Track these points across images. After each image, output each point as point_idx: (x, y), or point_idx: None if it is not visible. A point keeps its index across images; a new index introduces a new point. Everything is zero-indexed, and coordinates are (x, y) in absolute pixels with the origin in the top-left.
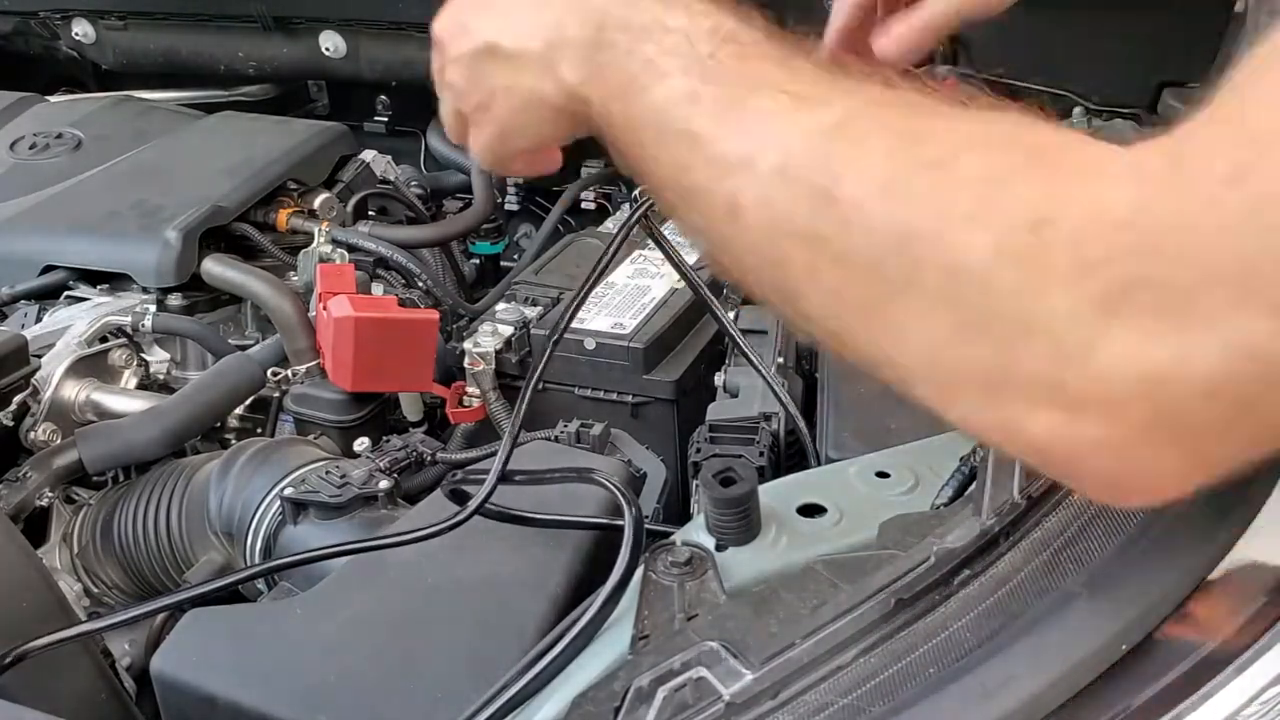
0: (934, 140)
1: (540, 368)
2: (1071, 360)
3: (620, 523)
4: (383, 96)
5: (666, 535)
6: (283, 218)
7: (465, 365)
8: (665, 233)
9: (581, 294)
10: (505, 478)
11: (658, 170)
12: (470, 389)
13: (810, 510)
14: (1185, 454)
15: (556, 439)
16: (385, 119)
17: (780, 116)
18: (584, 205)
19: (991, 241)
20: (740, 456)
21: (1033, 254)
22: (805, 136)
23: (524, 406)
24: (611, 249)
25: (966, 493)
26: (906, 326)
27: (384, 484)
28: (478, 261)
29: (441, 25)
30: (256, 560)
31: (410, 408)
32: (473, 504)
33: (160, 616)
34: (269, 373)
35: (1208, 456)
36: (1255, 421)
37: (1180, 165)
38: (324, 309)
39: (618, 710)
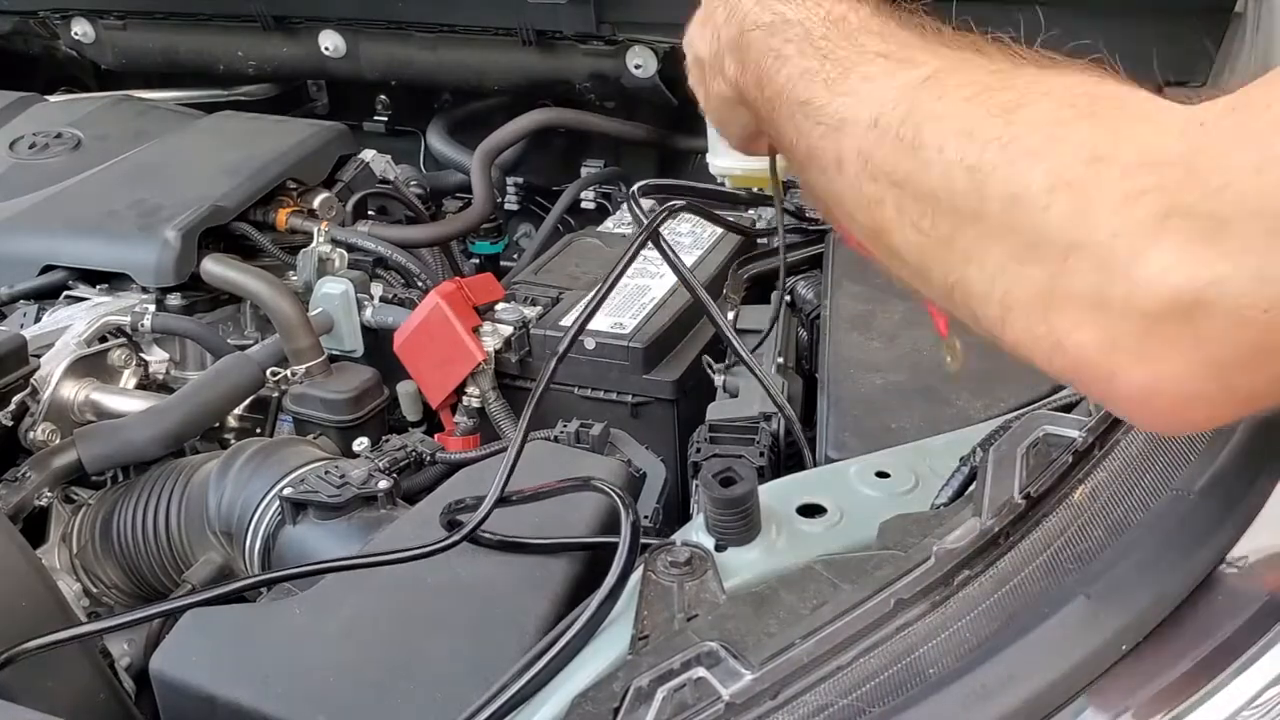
0: (1008, 90)
1: (540, 388)
2: (1114, 278)
3: (614, 539)
4: (382, 96)
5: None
6: (282, 217)
7: None
8: (665, 234)
9: (591, 307)
10: (503, 499)
11: (787, 140)
12: (470, 389)
13: (810, 510)
14: (1215, 380)
15: (556, 439)
16: (385, 119)
17: (877, 79)
18: (584, 205)
19: (1049, 172)
20: (740, 456)
21: (1085, 184)
22: (897, 91)
23: (525, 424)
24: (621, 264)
25: (967, 493)
26: (973, 253)
27: (383, 484)
28: (478, 261)
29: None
30: (256, 559)
31: (410, 408)
32: (465, 530)
33: None
34: (268, 373)
35: (1236, 387)
36: (1278, 356)
37: (1232, 113)
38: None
39: (617, 710)
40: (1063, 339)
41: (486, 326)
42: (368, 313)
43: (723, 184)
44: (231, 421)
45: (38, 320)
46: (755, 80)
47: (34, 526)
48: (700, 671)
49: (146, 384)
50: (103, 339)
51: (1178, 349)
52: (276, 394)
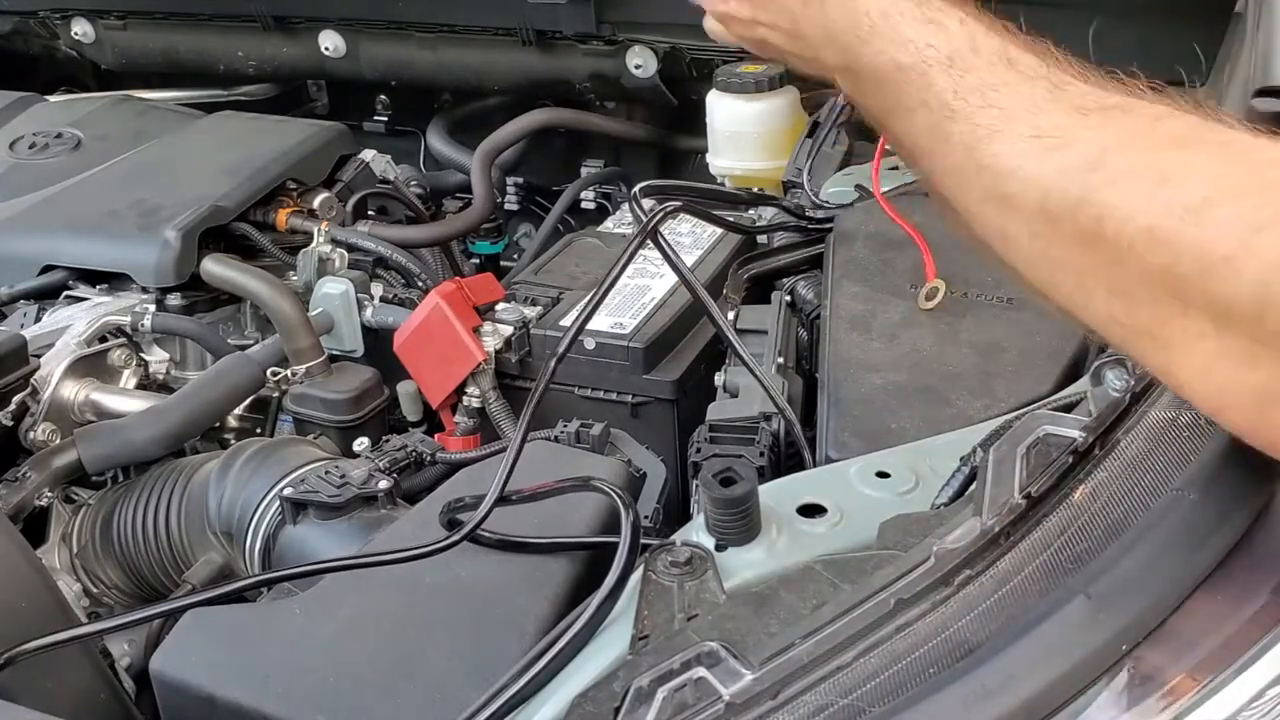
0: (1187, 182)
1: (540, 388)
2: None
3: (614, 539)
4: (382, 96)
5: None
6: (282, 217)
7: None
8: (665, 235)
9: (591, 307)
10: (503, 499)
11: (944, 192)
12: (470, 389)
13: (810, 510)
14: None
15: (556, 439)
16: (385, 119)
17: (1033, 158)
18: (584, 205)
19: (1254, 281)
20: (740, 456)
21: None
22: (1061, 176)
23: (526, 424)
24: (619, 265)
25: (967, 493)
26: (1177, 344)
27: (383, 484)
28: (478, 261)
29: None
30: (256, 559)
31: (410, 408)
32: (465, 530)
33: None
34: (269, 373)
35: None
36: None
37: None
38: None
39: (617, 710)
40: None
41: (486, 326)
42: (368, 313)
43: (723, 184)
44: (231, 421)
45: (38, 320)
46: (881, 110)
47: (34, 526)
48: (700, 671)
49: (146, 384)
50: (103, 339)
51: None
52: (277, 394)
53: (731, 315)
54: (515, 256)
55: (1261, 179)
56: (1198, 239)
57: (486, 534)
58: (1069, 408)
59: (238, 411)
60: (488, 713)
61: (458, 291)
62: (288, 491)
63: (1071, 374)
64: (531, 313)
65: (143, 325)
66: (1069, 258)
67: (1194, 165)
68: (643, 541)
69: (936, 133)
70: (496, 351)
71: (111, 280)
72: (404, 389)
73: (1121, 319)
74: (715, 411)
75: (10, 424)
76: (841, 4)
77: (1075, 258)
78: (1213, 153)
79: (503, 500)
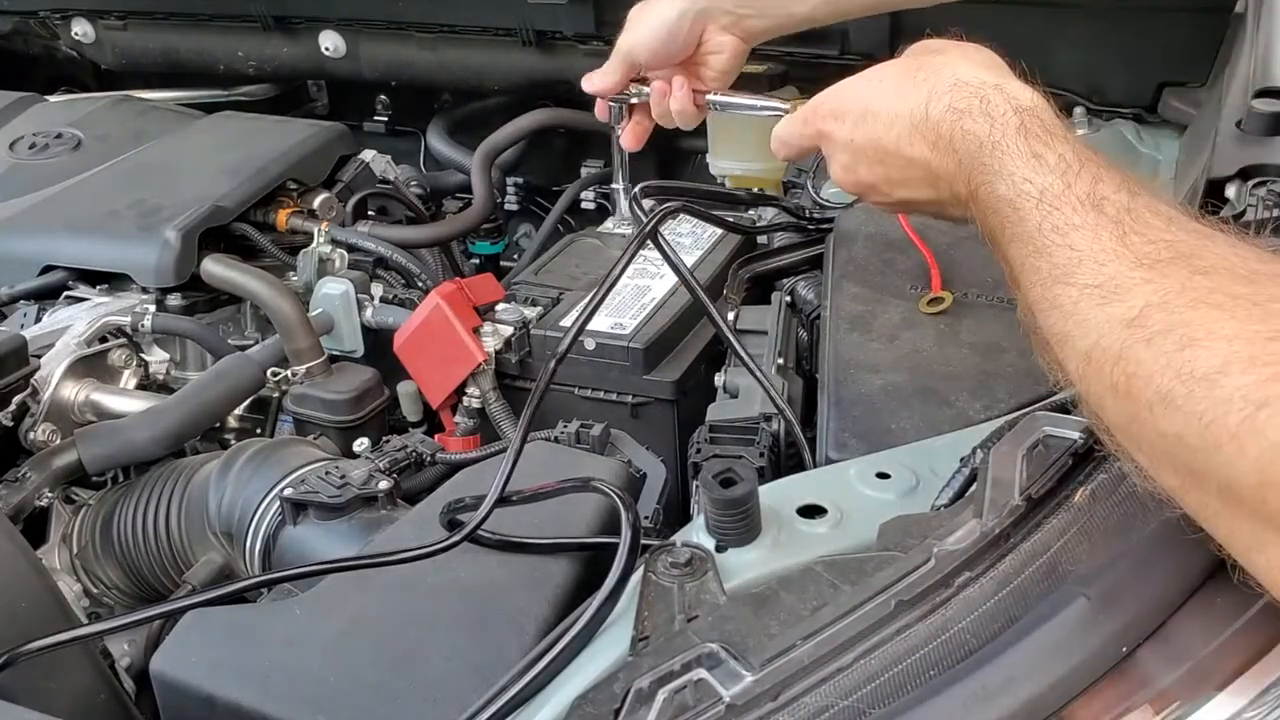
0: (1210, 347)
1: (541, 388)
2: None
3: (614, 540)
4: (382, 96)
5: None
6: (282, 217)
7: None
8: (665, 235)
9: (591, 308)
10: (503, 499)
11: (1024, 305)
12: (470, 389)
13: (810, 511)
14: None
15: (556, 439)
16: (385, 119)
17: (1087, 305)
18: (584, 205)
19: (1256, 461)
20: (740, 457)
21: None
22: (1106, 328)
23: (526, 424)
24: (619, 265)
25: (967, 494)
26: (1209, 513)
27: (383, 484)
28: (478, 261)
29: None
30: (256, 560)
31: (410, 408)
32: (465, 530)
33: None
34: (269, 373)
35: None
36: None
37: None
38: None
39: (618, 712)
40: None
41: (487, 327)
42: (368, 313)
43: (723, 184)
44: (232, 422)
45: (38, 320)
46: (991, 234)
47: (34, 527)
48: (701, 673)
49: (146, 384)
50: (103, 339)
51: None
52: (277, 394)
53: (731, 315)
54: (515, 256)
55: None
56: (1206, 411)
57: (487, 534)
58: (1069, 408)
59: (238, 412)
60: (488, 714)
61: (458, 292)
62: (288, 492)
63: None
64: (531, 313)
65: (143, 325)
66: (1108, 405)
67: (1222, 328)
68: (643, 542)
69: (1025, 264)
70: (497, 352)
71: (111, 280)
72: (404, 389)
73: (1150, 471)
74: (715, 412)
75: (10, 424)
76: (952, 139)
77: (1112, 406)
78: (1245, 313)
79: (503, 501)
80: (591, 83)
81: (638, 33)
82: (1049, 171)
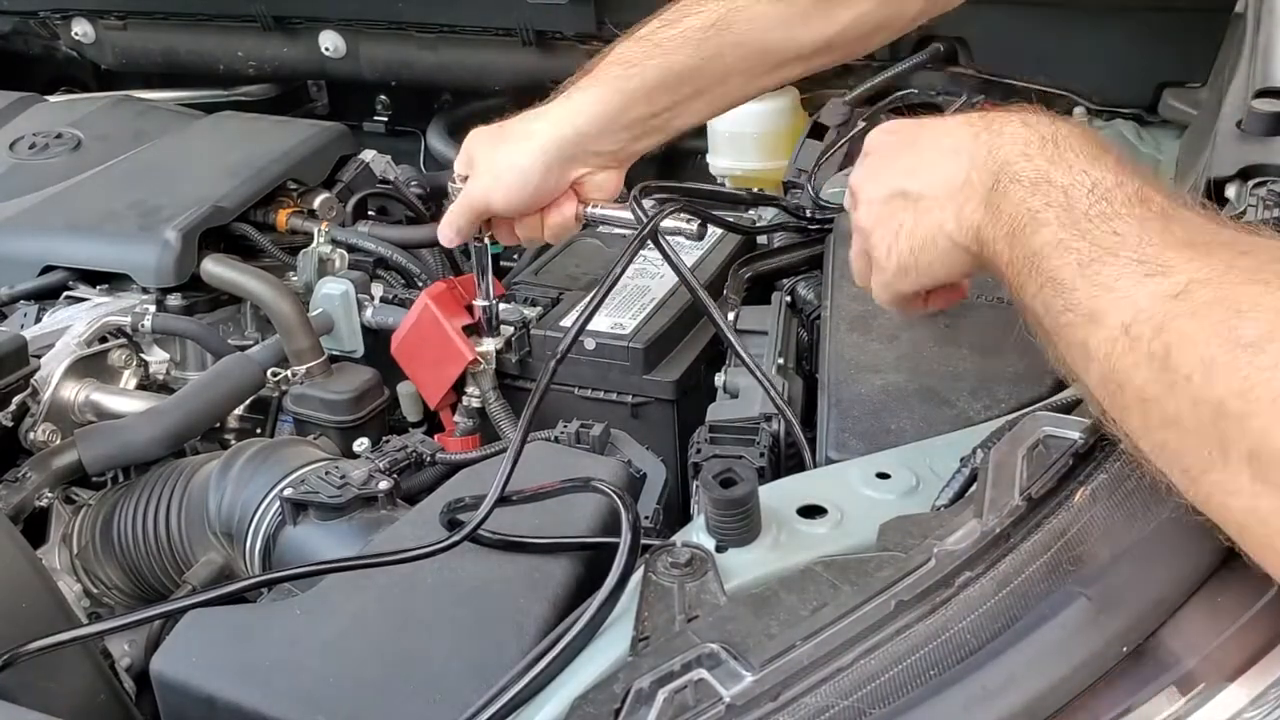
0: (1257, 317)
1: (541, 388)
2: None
3: (614, 540)
4: (382, 96)
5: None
6: (282, 218)
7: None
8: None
9: (591, 308)
10: (503, 499)
11: (1033, 305)
12: (470, 389)
13: (810, 511)
14: None
15: (556, 439)
16: (385, 119)
17: (1131, 279)
18: None
19: None
20: (740, 457)
21: None
22: (1149, 301)
23: (526, 424)
24: (619, 265)
25: (967, 494)
26: (1223, 497)
27: (384, 484)
28: None
29: (857, 177)
30: (256, 560)
31: (410, 408)
32: (465, 530)
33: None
34: (269, 373)
35: None
36: None
37: None
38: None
39: (618, 712)
40: None
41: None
42: (368, 313)
43: (723, 184)
44: (232, 422)
45: (38, 320)
46: (1003, 234)
47: (34, 527)
48: (701, 673)
49: (146, 384)
50: (103, 339)
51: None
52: (277, 394)
53: (731, 315)
54: (515, 256)
55: None
56: (1249, 376)
57: (487, 534)
58: (1070, 409)
59: (238, 412)
60: (488, 714)
61: (447, 292)
62: (288, 492)
63: None
64: (531, 313)
65: (143, 326)
66: (1140, 377)
67: (1269, 301)
68: (643, 542)
69: (1060, 245)
70: (497, 352)
71: (111, 280)
72: (404, 389)
73: (1171, 448)
74: (715, 412)
75: (10, 424)
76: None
77: (1145, 377)
78: None
79: (503, 501)
80: (443, 236)
81: (489, 183)
82: (1105, 169)
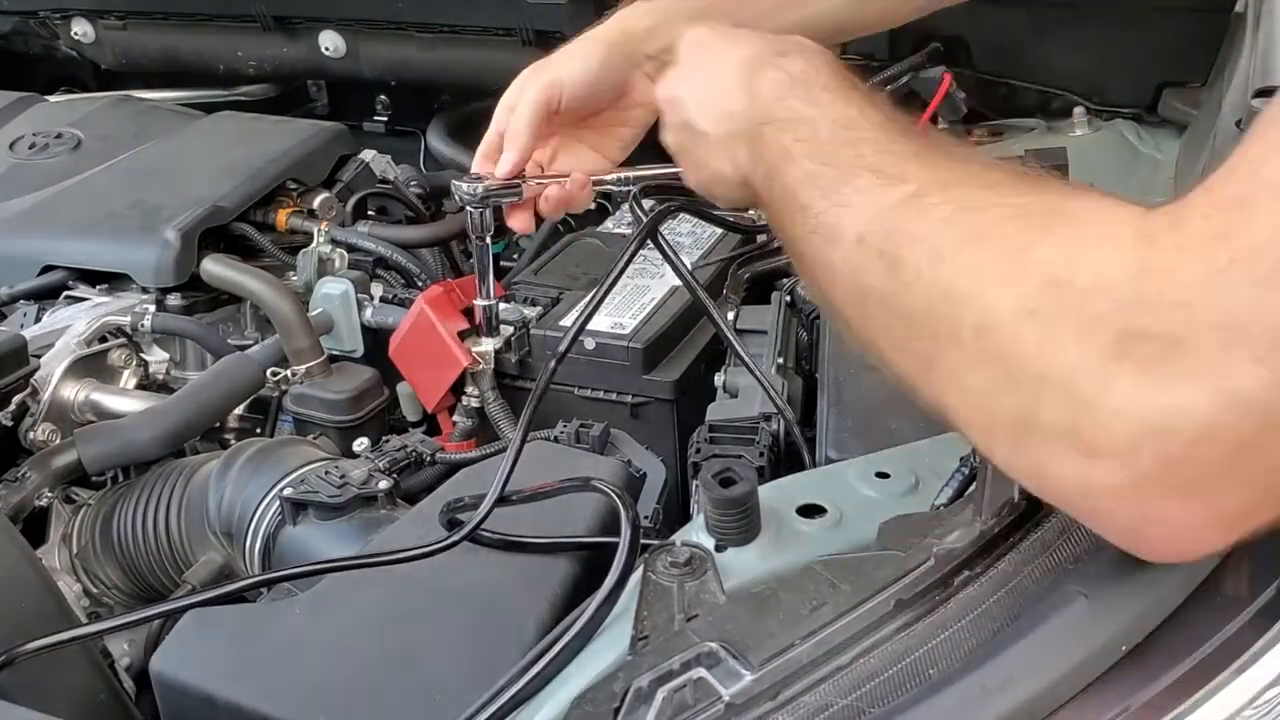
0: (983, 212)
1: (541, 388)
2: (1084, 409)
3: (613, 540)
4: (382, 96)
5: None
6: (282, 217)
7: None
8: (665, 235)
9: (591, 308)
10: (503, 499)
11: (789, 237)
12: (469, 389)
13: (810, 510)
14: (1194, 503)
15: (556, 439)
16: (385, 119)
17: (867, 193)
18: None
19: (1015, 301)
20: (740, 457)
21: (1050, 311)
22: (883, 209)
23: (526, 426)
24: (619, 264)
25: (967, 493)
26: (955, 377)
27: (383, 484)
28: None
29: (663, 90)
30: (256, 560)
31: (410, 408)
32: (465, 530)
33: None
34: (269, 373)
35: (1218, 508)
36: (1256, 470)
37: (1177, 226)
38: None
39: (617, 711)
40: (1042, 469)
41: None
42: (368, 313)
43: None
44: (231, 421)
45: (38, 320)
46: (765, 174)
47: (34, 526)
48: (700, 672)
49: (146, 384)
50: (103, 339)
51: (1151, 477)
52: (276, 394)
53: (731, 315)
54: (515, 256)
55: (1045, 213)
56: (974, 260)
57: (487, 534)
58: None
59: (238, 411)
60: (488, 713)
61: (444, 295)
62: (288, 492)
63: None
64: (531, 313)
65: (143, 325)
66: (874, 281)
67: (995, 200)
68: (642, 542)
69: (807, 177)
70: (496, 351)
71: (111, 280)
72: (404, 390)
73: (911, 345)
74: (715, 412)
75: (10, 424)
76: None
77: (878, 280)
78: (1010, 185)
79: (503, 500)
80: (513, 145)
81: (558, 65)
82: (850, 103)
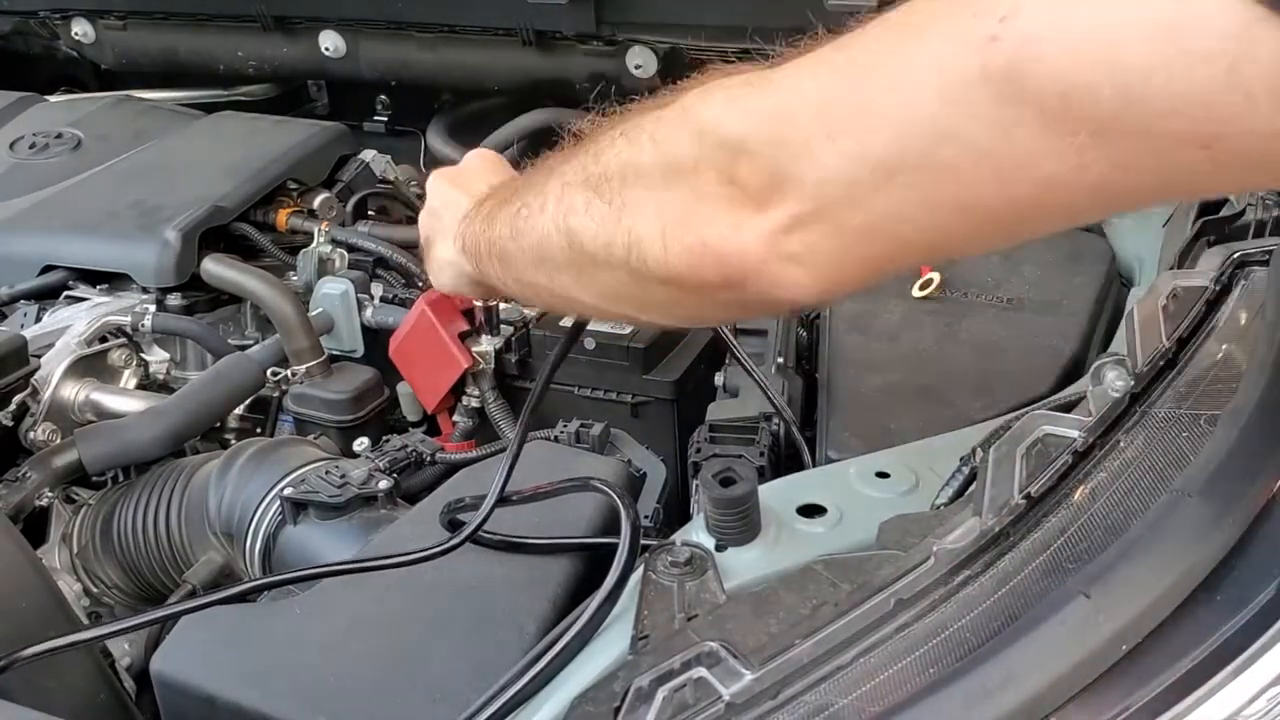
0: (530, 201)
1: (540, 388)
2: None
3: (614, 539)
4: (382, 96)
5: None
6: (282, 217)
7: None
8: None
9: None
10: (503, 499)
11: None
12: (469, 389)
13: (810, 510)
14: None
15: (556, 439)
16: (385, 119)
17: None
18: None
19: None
20: (740, 456)
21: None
22: (478, 229)
23: (526, 426)
24: None
25: (967, 493)
26: (631, 208)
27: (383, 484)
28: None
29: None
30: (256, 559)
31: (410, 408)
32: (465, 531)
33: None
34: (269, 373)
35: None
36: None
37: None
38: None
39: (618, 710)
40: (705, 239)
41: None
42: (368, 313)
43: None
44: (232, 421)
45: (38, 320)
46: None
47: (34, 526)
48: (700, 671)
49: (146, 384)
50: (103, 339)
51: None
52: (277, 394)
53: None
54: None
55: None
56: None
57: (487, 534)
58: (1069, 408)
59: (238, 411)
60: (488, 713)
61: (444, 297)
62: (288, 491)
63: (1071, 374)
64: (531, 313)
65: (143, 325)
66: (557, 253)
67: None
68: (643, 542)
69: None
70: (497, 351)
71: (112, 280)
72: (404, 390)
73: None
74: (715, 411)
75: (10, 424)
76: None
77: (560, 253)
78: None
79: (503, 501)
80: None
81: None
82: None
